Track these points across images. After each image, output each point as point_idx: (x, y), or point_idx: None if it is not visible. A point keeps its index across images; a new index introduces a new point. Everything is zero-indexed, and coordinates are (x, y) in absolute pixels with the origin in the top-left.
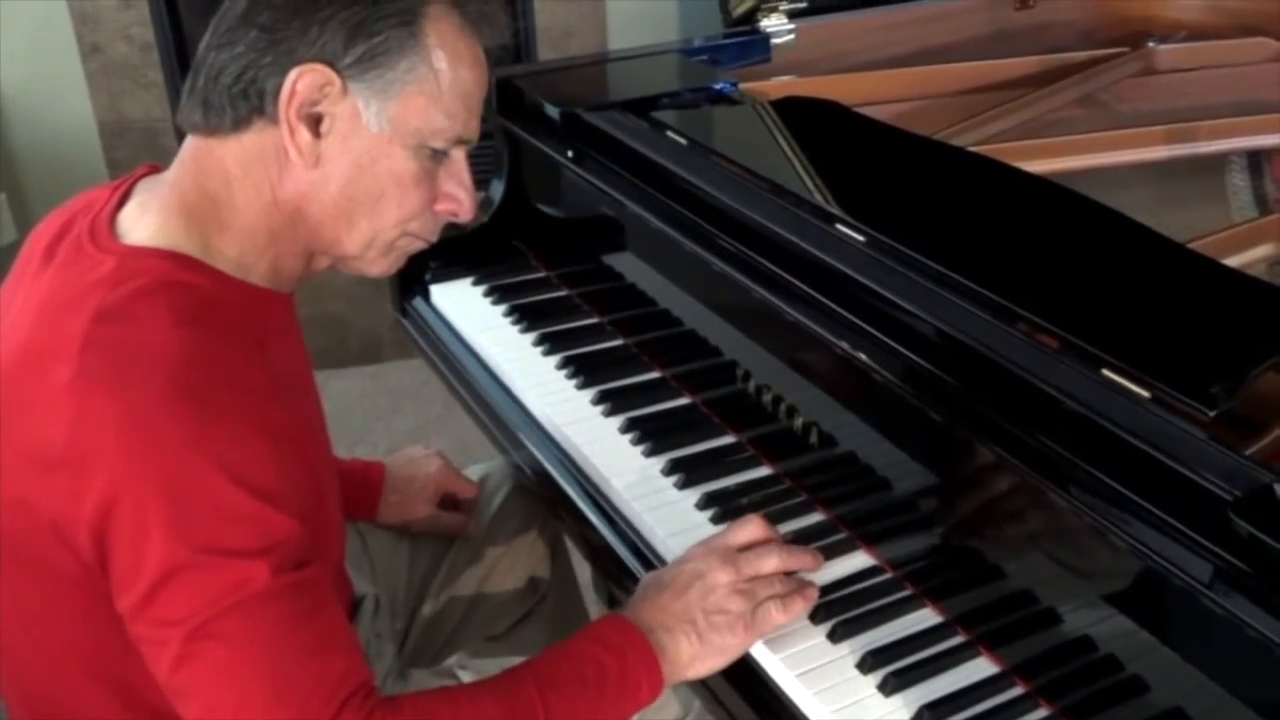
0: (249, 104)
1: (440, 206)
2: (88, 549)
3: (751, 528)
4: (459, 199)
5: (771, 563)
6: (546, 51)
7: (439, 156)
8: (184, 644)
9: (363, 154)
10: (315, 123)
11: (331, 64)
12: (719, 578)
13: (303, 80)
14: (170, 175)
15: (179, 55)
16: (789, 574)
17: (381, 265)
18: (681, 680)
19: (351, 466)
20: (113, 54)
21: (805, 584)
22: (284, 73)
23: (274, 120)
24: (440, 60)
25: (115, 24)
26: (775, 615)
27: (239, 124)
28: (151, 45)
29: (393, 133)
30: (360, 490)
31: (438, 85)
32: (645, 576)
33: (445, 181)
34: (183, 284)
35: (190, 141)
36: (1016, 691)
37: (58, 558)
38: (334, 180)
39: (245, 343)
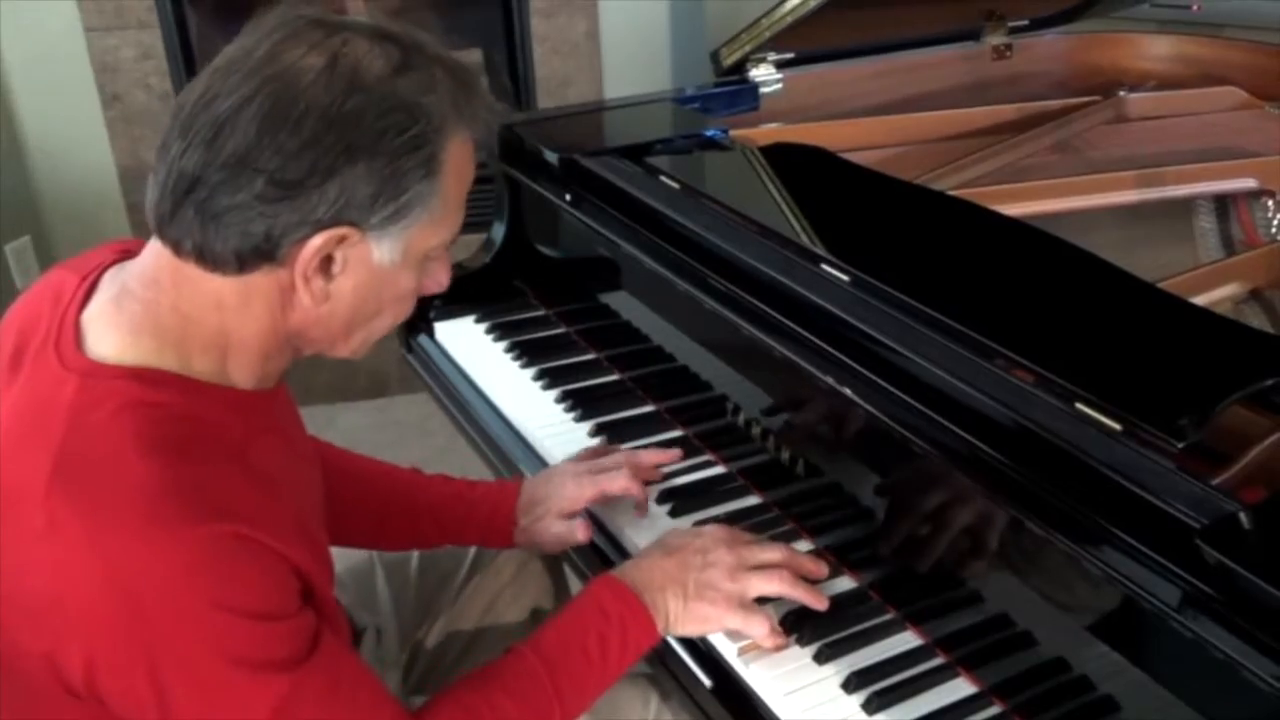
0: (259, 256)
1: (424, 291)
2: (82, 687)
3: (775, 552)
4: (441, 282)
5: (774, 556)
6: (545, 100)
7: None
8: None
9: (371, 285)
10: (326, 263)
11: (356, 225)
12: (722, 556)
13: (325, 240)
14: (143, 293)
15: None
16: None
17: (360, 352)
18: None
19: (484, 493)
20: (132, 102)
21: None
22: (302, 231)
23: (282, 264)
24: (449, 184)
25: (134, 74)
26: (764, 625)
27: (244, 269)
28: (169, 94)
29: (402, 261)
30: (493, 518)
31: (443, 206)
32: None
33: (432, 271)
34: (150, 404)
35: (169, 261)
36: (994, 710)
37: (55, 686)
38: (340, 312)
39: (224, 453)
